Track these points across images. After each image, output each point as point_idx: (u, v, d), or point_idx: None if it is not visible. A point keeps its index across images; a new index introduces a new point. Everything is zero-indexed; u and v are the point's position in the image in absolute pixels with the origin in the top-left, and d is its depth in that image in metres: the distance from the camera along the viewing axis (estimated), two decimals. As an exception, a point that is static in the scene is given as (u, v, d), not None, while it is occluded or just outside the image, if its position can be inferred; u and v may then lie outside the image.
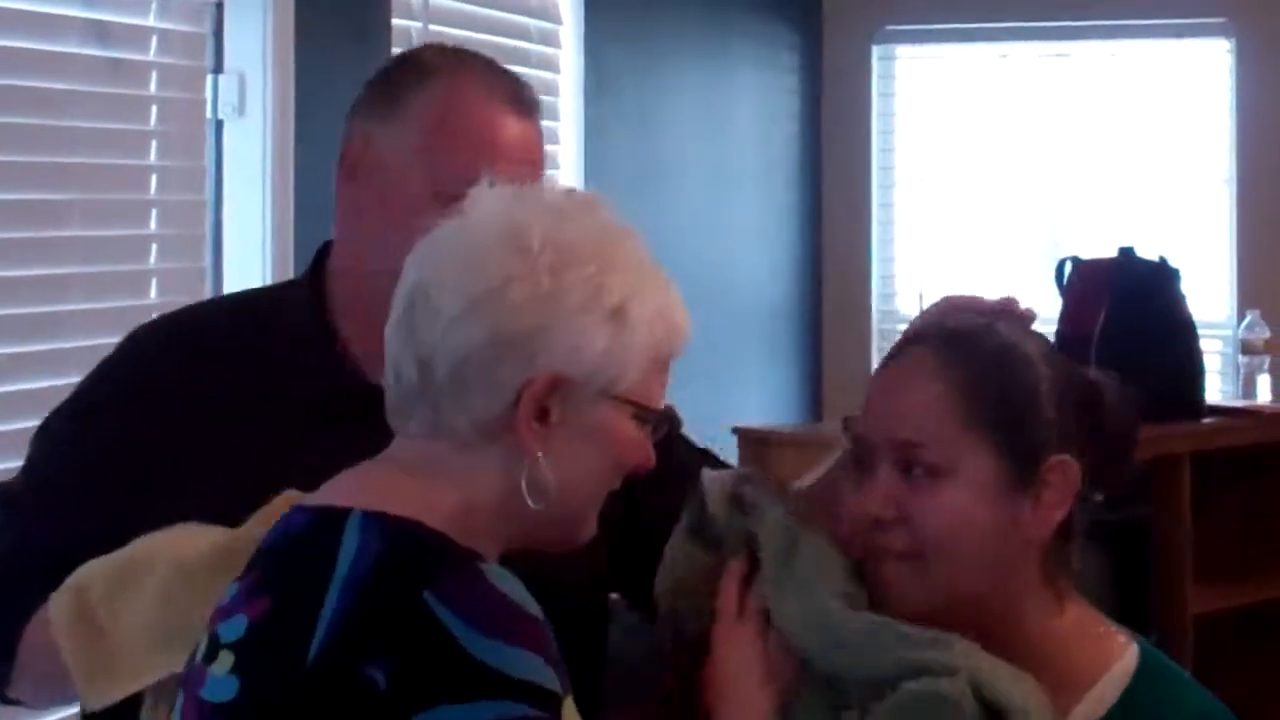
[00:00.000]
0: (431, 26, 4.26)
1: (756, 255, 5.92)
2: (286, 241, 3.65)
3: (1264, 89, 5.98)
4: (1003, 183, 6.22)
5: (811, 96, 6.30)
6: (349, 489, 1.77)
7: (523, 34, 4.71)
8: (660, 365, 1.82)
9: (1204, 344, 4.77)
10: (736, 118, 5.83)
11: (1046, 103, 6.26)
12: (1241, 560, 4.68)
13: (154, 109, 3.51)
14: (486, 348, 1.73)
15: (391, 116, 2.36)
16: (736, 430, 4.50)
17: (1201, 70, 6.14)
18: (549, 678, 1.62)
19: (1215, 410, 4.73)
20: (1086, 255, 4.76)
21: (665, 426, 1.86)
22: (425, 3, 4.28)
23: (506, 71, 2.43)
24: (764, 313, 5.97)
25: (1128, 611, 4.46)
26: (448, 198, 2.14)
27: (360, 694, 1.59)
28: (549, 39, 4.81)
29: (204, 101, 3.62)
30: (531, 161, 2.37)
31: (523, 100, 2.40)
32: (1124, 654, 1.97)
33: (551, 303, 1.75)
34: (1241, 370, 5.06)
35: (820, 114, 6.34)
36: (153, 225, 3.53)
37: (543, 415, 1.74)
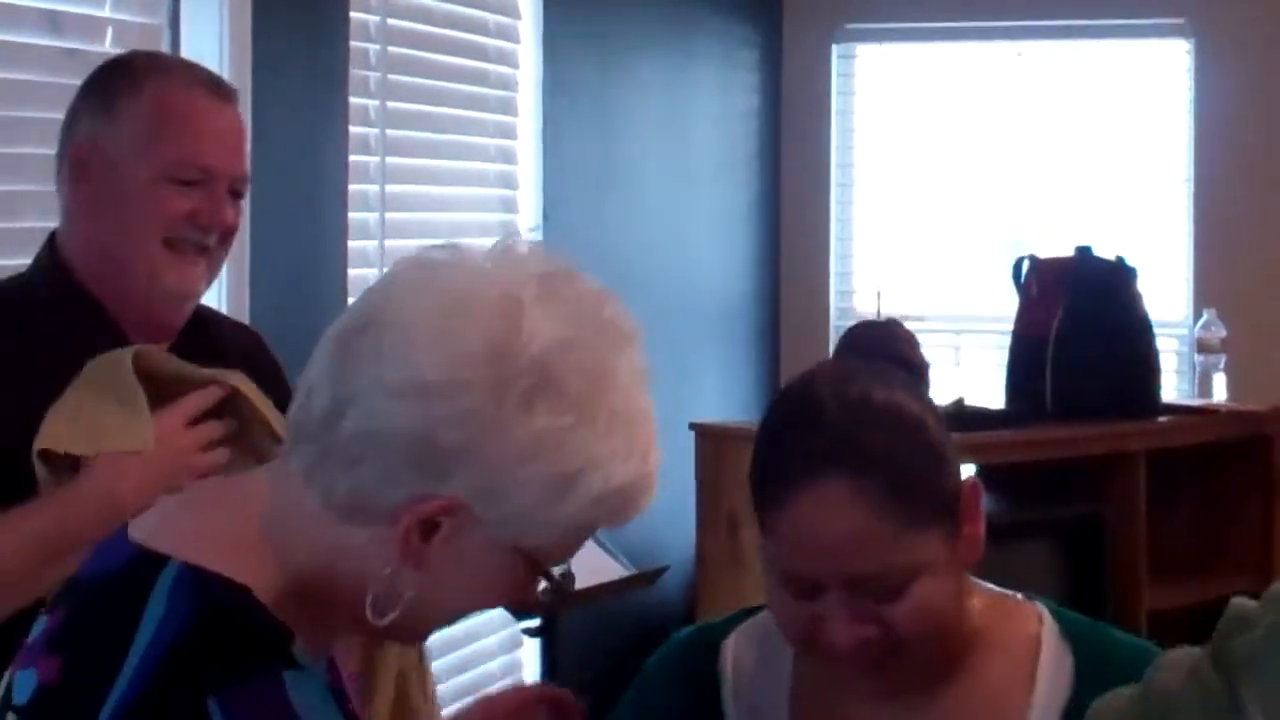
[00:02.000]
0: (390, 21, 4.24)
1: (715, 253, 5.94)
2: (242, 229, 3.66)
3: (1222, 90, 6.00)
4: (961, 182, 6.22)
5: (771, 95, 6.30)
6: (187, 521, 1.61)
7: (481, 29, 4.69)
8: (588, 533, 1.60)
9: (1160, 343, 4.84)
10: (696, 115, 5.83)
11: (1005, 102, 6.26)
12: (1196, 557, 4.74)
13: None
14: (405, 437, 1.51)
15: (111, 116, 2.55)
16: (694, 426, 4.52)
17: (1160, 70, 6.16)
18: None
19: (1171, 408, 4.78)
20: (1044, 254, 4.80)
21: (554, 594, 1.65)
22: (385, -3, 4.26)
23: (204, 68, 2.69)
24: (722, 310, 5.98)
25: (1082, 608, 4.48)
26: (175, 181, 2.53)
27: None
28: (507, 34, 4.80)
29: None
30: (240, 142, 2.62)
31: (224, 89, 2.62)
32: (1041, 621, 2.00)
33: (498, 435, 1.51)
34: (1197, 369, 5.08)
35: (780, 112, 6.33)
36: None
37: (428, 531, 1.52)
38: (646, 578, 3.30)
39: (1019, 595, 2.02)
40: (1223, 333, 5.04)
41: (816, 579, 1.83)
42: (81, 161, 2.55)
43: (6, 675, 1.55)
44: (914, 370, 1.84)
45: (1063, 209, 6.05)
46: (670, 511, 4.46)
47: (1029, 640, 1.98)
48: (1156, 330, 4.80)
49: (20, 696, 1.51)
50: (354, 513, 1.53)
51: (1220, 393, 4.96)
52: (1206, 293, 5.71)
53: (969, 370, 5.69)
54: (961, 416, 4.50)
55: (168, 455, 2.47)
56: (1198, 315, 5.32)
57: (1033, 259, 4.75)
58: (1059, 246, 4.87)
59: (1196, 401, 4.94)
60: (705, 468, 4.45)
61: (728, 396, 5.90)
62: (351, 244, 4.05)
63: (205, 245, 2.56)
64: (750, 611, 2.08)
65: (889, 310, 6.09)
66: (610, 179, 5.19)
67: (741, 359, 6.09)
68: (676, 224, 5.61)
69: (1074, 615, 2.03)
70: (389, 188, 4.21)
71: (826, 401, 1.87)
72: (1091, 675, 1.93)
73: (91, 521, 2.32)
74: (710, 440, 4.47)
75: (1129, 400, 4.64)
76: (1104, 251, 4.75)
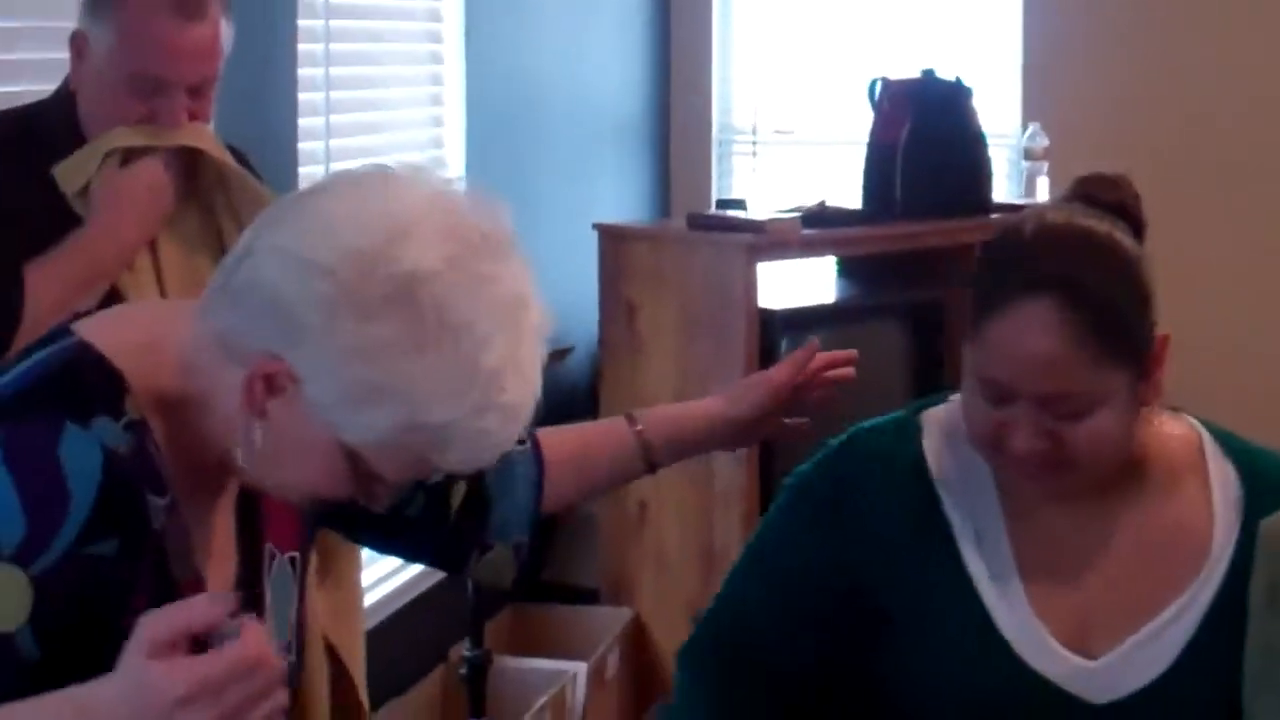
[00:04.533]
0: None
1: (613, 74, 5.88)
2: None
3: None
4: (827, 13, 6.15)
5: None
6: (120, 323, 1.59)
7: None
8: (417, 462, 1.51)
9: (993, 151, 4.86)
10: None
11: None
12: None
13: None
14: (273, 297, 1.46)
15: (96, 19, 2.58)
16: (597, 226, 4.54)
17: None
18: (9, 528, 1.41)
19: (1001, 207, 4.78)
20: (895, 76, 4.79)
21: (370, 492, 1.54)
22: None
23: None
24: (619, 124, 5.94)
25: (924, 379, 4.58)
26: (133, 90, 2.57)
27: None
28: None
29: None
30: (199, 57, 2.59)
31: (189, 8, 2.56)
32: (1195, 432, 1.98)
33: (338, 327, 1.44)
34: (1024, 174, 5.10)
35: None
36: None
37: (273, 389, 1.47)
38: (557, 355, 3.38)
39: (1169, 412, 1.98)
40: (1045, 142, 5.06)
41: (1012, 388, 1.80)
42: (76, 48, 2.61)
43: None
44: (1134, 223, 1.85)
45: (911, 35, 5.98)
46: (575, 301, 4.55)
47: (1190, 449, 1.96)
48: (989, 140, 4.81)
49: None
50: (226, 349, 1.49)
51: (1043, 194, 4.97)
52: (1032, 108, 5.73)
53: (831, 176, 5.71)
54: (824, 215, 4.56)
55: (150, 195, 2.60)
56: (1025, 127, 5.32)
57: (885, 80, 4.74)
58: (907, 69, 4.86)
59: (1023, 201, 4.92)
60: (606, 262, 4.45)
61: (624, 200, 5.91)
62: (301, 145, 3.90)
63: None
64: (916, 411, 2.03)
65: (763, 123, 6.18)
66: (521, 9, 5.12)
67: (636, 167, 6.08)
68: (578, 48, 5.55)
69: (1224, 431, 1.99)
70: (334, 39, 4.07)
71: (1058, 231, 1.85)
72: (1254, 487, 1.93)
73: (108, 260, 2.54)
74: (610, 238, 4.48)
75: (966, 201, 4.67)
76: (945, 73, 4.76)
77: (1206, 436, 1.97)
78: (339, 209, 1.48)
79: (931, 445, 1.98)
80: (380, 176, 1.52)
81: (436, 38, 4.75)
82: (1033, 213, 1.91)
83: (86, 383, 1.49)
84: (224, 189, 2.67)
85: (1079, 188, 1.94)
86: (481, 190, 1.53)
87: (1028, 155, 5.10)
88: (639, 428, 2.12)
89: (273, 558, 1.69)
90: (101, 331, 1.54)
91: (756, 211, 4.58)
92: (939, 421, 2.00)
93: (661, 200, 6.25)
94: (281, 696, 1.34)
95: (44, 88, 2.78)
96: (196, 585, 1.54)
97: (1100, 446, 1.83)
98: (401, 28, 4.62)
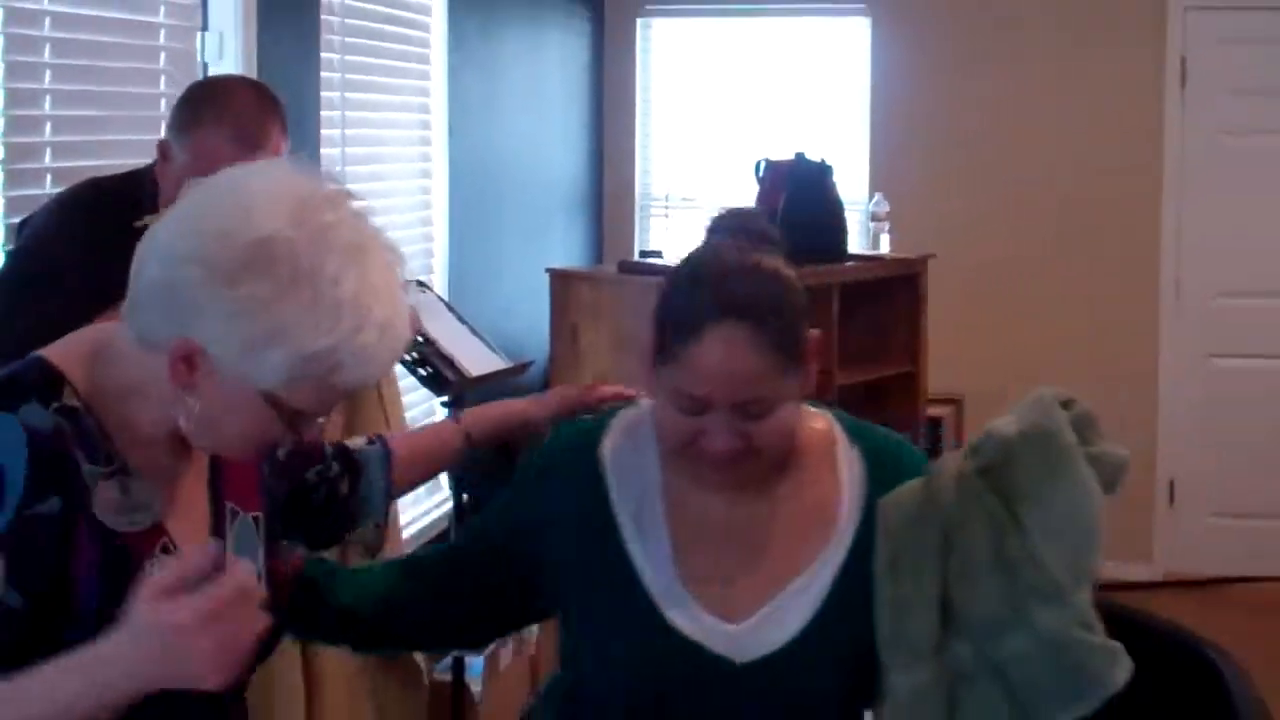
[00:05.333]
0: (349, 2, 4.15)
1: (561, 155, 5.89)
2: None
3: (893, 54, 6.00)
4: (723, 109, 6.18)
5: (598, 49, 6.24)
6: (69, 341, 1.48)
7: (404, 4, 4.60)
8: (323, 391, 1.39)
9: (848, 214, 4.83)
10: (548, 63, 5.76)
11: (751, 57, 6.23)
12: (869, 351, 4.76)
13: (162, 55, 3.35)
14: (162, 291, 1.37)
15: (178, 134, 2.48)
16: (549, 270, 4.50)
17: (845, 40, 6.13)
18: None
19: (854, 257, 4.79)
20: (774, 157, 4.77)
21: (298, 428, 1.42)
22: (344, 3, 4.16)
23: (253, 112, 2.47)
24: (566, 193, 5.94)
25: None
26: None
27: None
28: (424, 11, 4.71)
29: (195, 51, 3.48)
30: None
31: (255, 140, 2.43)
32: (829, 421, 1.82)
33: (213, 297, 1.34)
34: (871, 231, 5.11)
35: (604, 60, 6.28)
36: (161, 133, 3.38)
37: (191, 365, 1.38)
38: (518, 369, 3.36)
39: (805, 404, 1.80)
40: (887, 208, 5.08)
41: (710, 401, 1.65)
42: (162, 152, 2.54)
43: None
44: (773, 243, 1.70)
45: (788, 128, 6.03)
46: (532, 327, 4.56)
47: (825, 438, 1.80)
48: (846, 205, 4.81)
49: None
50: (146, 345, 1.40)
51: (885, 247, 4.99)
52: (876, 181, 5.78)
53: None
54: None
55: None
56: (871, 196, 5.33)
57: (767, 160, 4.73)
58: (784, 151, 4.83)
59: (870, 252, 4.97)
60: (556, 298, 4.39)
61: (570, 250, 5.91)
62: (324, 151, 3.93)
63: None
64: (614, 413, 1.87)
65: (674, 191, 6.21)
66: (492, 107, 5.14)
67: (579, 225, 6.07)
68: (534, 135, 5.56)
69: (853, 419, 1.85)
70: (348, 127, 4.12)
71: (730, 265, 1.68)
72: (875, 465, 1.79)
73: None
74: (559, 279, 4.43)
75: (829, 251, 4.66)
76: (813, 156, 4.76)
77: (837, 425, 1.81)
78: (194, 205, 1.39)
79: (611, 441, 1.81)
80: (226, 174, 1.42)
81: (427, 126, 4.77)
82: (708, 250, 1.72)
83: (22, 381, 1.40)
84: None
85: (727, 221, 1.76)
86: (320, 165, 1.41)
87: (873, 218, 5.10)
88: (461, 423, 2.08)
89: (235, 515, 1.57)
90: (58, 347, 1.46)
91: (670, 259, 4.57)
92: (625, 420, 1.83)
93: (597, 250, 6.26)
94: (264, 620, 1.27)
95: (127, 162, 2.77)
96: (146, 536, 1.44)
97: (780, 438, 1.70)
98: (400, 118, 4.63)
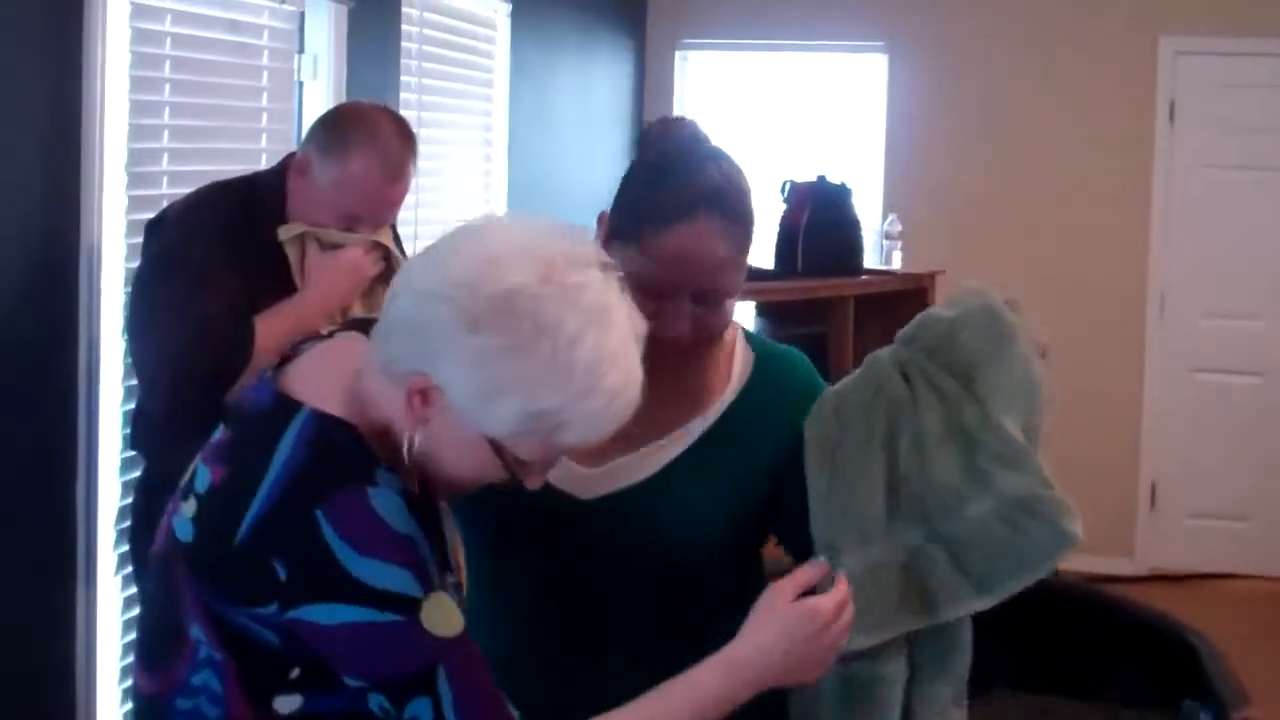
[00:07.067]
0: (425, 31, 4.17)
1: (606, 170, 5.76)
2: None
3: (909, 89, 6.10)
4: (751, 134, 6.11)
5: (639, 80, 6.33)
6: (314, 373, 1.38)
7: (473, 34, 4.65)
8: (550, 445, 1.33)
9: (865, 232, 4.84)
10: (596, 89, 5.83)
11: (780, 87, 6.31)
12: None
13: (264, 74, 3.35)
14: (410, 325, 1.32)
15: (322, 157, 2.45)
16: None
17: (864, 76, 6.20)
18: (407, 584, 1.27)
19: (869, 271, 4.81)
20: (798, 179, 4.78)
21: (519, 475, 1.35)
22: (423, 16, 4.18)
23: (399, 145, 2.44)
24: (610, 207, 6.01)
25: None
26: (345, 218, 2.45)
27: (269, 577, 1.27)
28: (489, 40, 4.77)
29: (292, 70, 3.48)
30: (393, 205, 2.47)
31: (398, 170, 2.40)
32: (735, 325, 1.74)
33: (454, 341, 1.29)
34: (885, 248, 5.13)
35: (645, 89, 6.37)
36: (263, 142, 3.36)
37: (426, 400, 1.31)
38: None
39: None
40: (900, 227, 5.12)
41: (675, 287, 1.58)
42: (299, 167, 2.50)
43: (195, 462, 1.38)
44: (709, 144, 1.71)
45: (810, 153, 6.02)
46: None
47: (732, 338, 1.73)
48: (863, 225, 4.83)
49: (200, 486, 1.35)
50: (389, 375, 1.33)
51: (898, 263, 5.01)
52: (890, 203, 5.89)
53: (753, 247, 5.73)
54: (749, 273, 4.64)
55: (354, 268, 2.49)
56: (885, 217, 5.36)
57: (792, 182, 4.75)
58: (807, 173, 4.83)
59: (884, 267, 4.96)
60: None
61: (611, 259, 6.00)
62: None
63: None
64: None
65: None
66: (544, 129, 5.17)
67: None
68: (582, 152, 5.58)
69: (755, 333, 1.79)
70: (423, 144, 4.18)
71: (702, 156, 1.63)
72: (763, 366, 1.73)
73: (313, 320, 2.35)
74: None
75: (846, 266, 4.67)
76: (834, 178, 4.77)
77: (741, 329, 1.76)
78: (450, 248, 1.34)
79: None
80: (484, 221, 1.38)
81: (489, 144, 4.82)
82: (677, 142, 1.66)
83: (346, 448, 1.32)
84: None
85: (676, 129, 1.69)
86: (569, 224, 1.38)
87: (887, 236, 5.13)
88: None
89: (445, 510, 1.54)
90: (310, 388, 1.36)
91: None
92: None
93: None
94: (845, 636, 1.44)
95: (234, 168, 2.80)
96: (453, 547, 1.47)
97: (724, 326, 1.65)
98: (467, 136, 4.67)
